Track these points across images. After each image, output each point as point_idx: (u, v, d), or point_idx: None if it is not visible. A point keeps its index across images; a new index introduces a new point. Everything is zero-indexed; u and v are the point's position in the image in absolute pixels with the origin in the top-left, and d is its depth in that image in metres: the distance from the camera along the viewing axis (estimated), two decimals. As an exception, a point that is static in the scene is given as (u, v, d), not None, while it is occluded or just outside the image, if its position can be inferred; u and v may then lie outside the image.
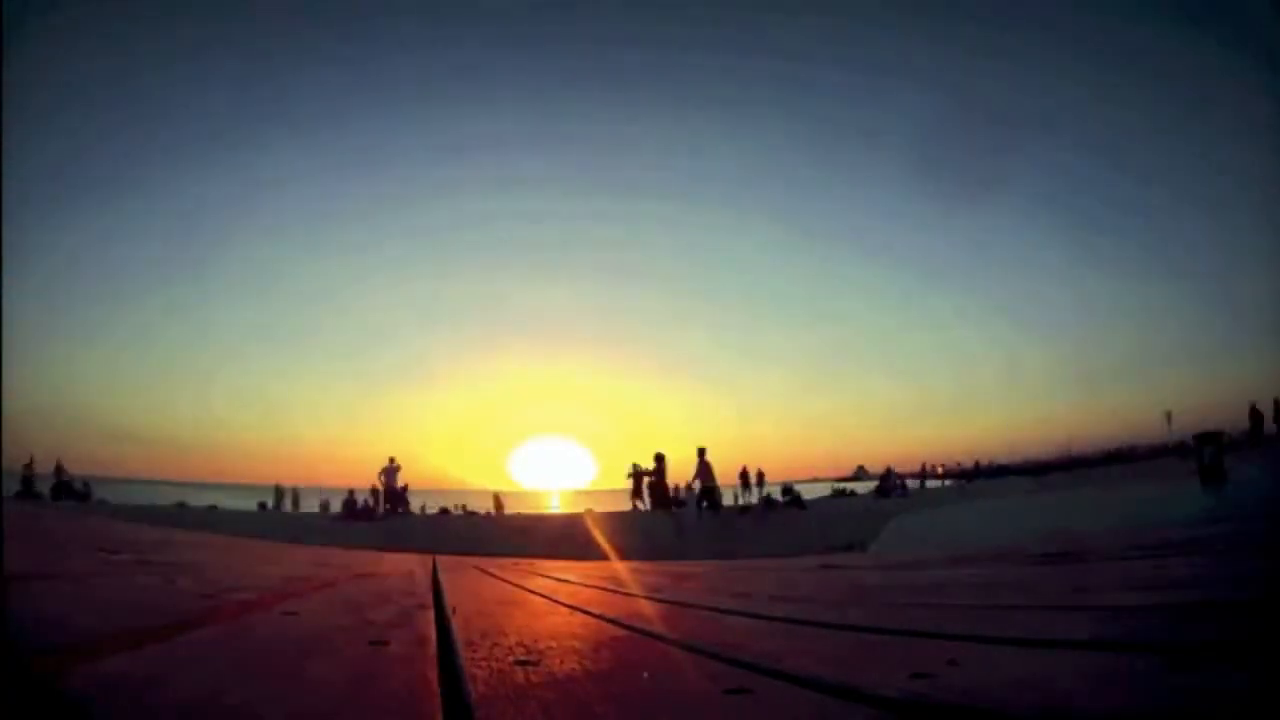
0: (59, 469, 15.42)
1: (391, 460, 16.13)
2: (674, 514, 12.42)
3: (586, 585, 2.70)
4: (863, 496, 19.33)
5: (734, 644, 1.08)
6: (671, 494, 15.28)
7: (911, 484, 21.25)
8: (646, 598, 2.15)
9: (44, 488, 14.68)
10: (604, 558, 6.60)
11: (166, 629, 1.03)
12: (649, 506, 13.40)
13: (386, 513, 15.92)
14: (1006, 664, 0.87)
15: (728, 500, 16.84)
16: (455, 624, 1.33)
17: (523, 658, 0.97)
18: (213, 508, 16.67)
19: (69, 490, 15.17)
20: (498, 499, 18.93)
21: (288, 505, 18.21)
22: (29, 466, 14.41)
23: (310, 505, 18.59)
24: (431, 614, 1.49)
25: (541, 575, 3.21)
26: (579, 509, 18.31)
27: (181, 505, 16.18)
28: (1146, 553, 2.52)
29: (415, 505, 17.32)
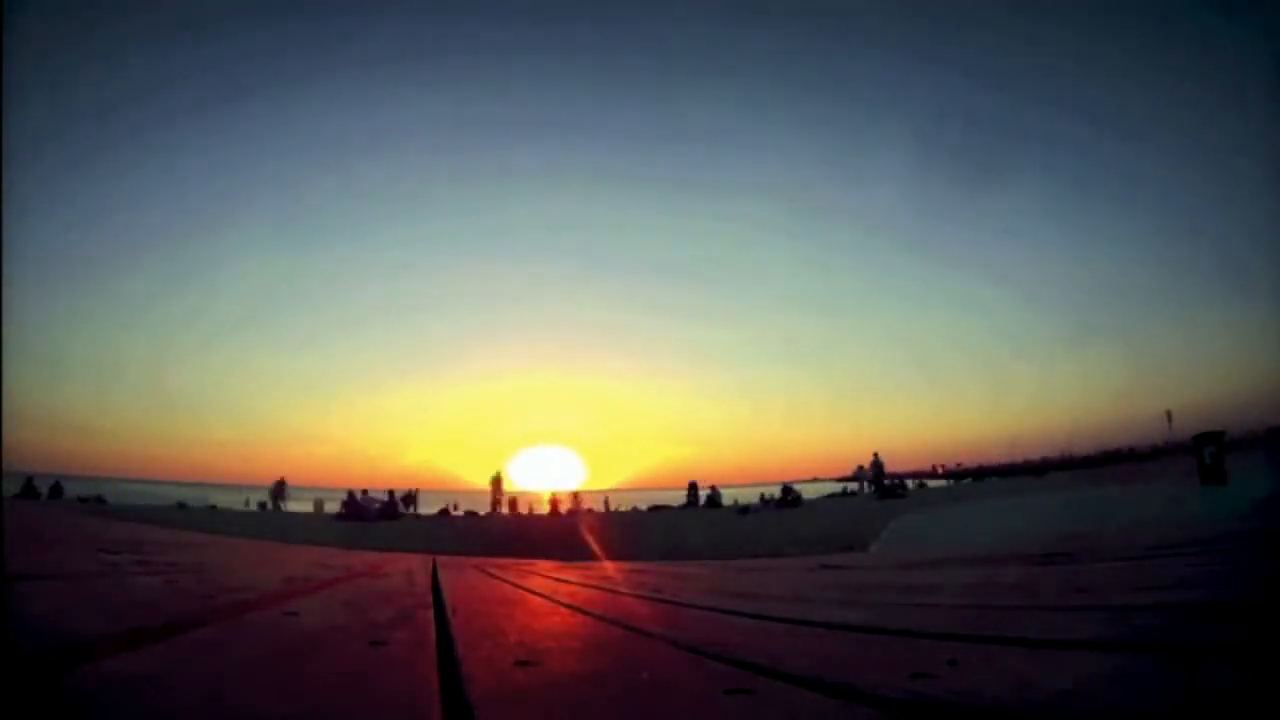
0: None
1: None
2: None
3: (586, 586, 2.70)
4: (862, 497, 19.33)
5: (734, 644, 1.08)
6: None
7: (911, 484, 21.22)
8: (646, 598, 2.15)
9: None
10: (602, 558, 6.60)
11: (166, 629, 1.03)
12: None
13: (384, 513, 15.97)
14: (1006, 664, 0.87)
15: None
16: (455, 624, 1.33)
17: (523, 658, 0.97)
18: (212, 508, 16.67)
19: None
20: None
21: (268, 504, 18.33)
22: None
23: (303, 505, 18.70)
24: (431, 614, 1.49)
25: (541, 575, 3.21)
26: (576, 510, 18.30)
27: (181, 505, 16.17)
28: (1146, 553, 2.52)
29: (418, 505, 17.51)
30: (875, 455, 18.55)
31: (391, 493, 17.14)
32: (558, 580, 2.90)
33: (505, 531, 14.15)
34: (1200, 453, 10.18)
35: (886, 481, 18.39)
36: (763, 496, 18.27)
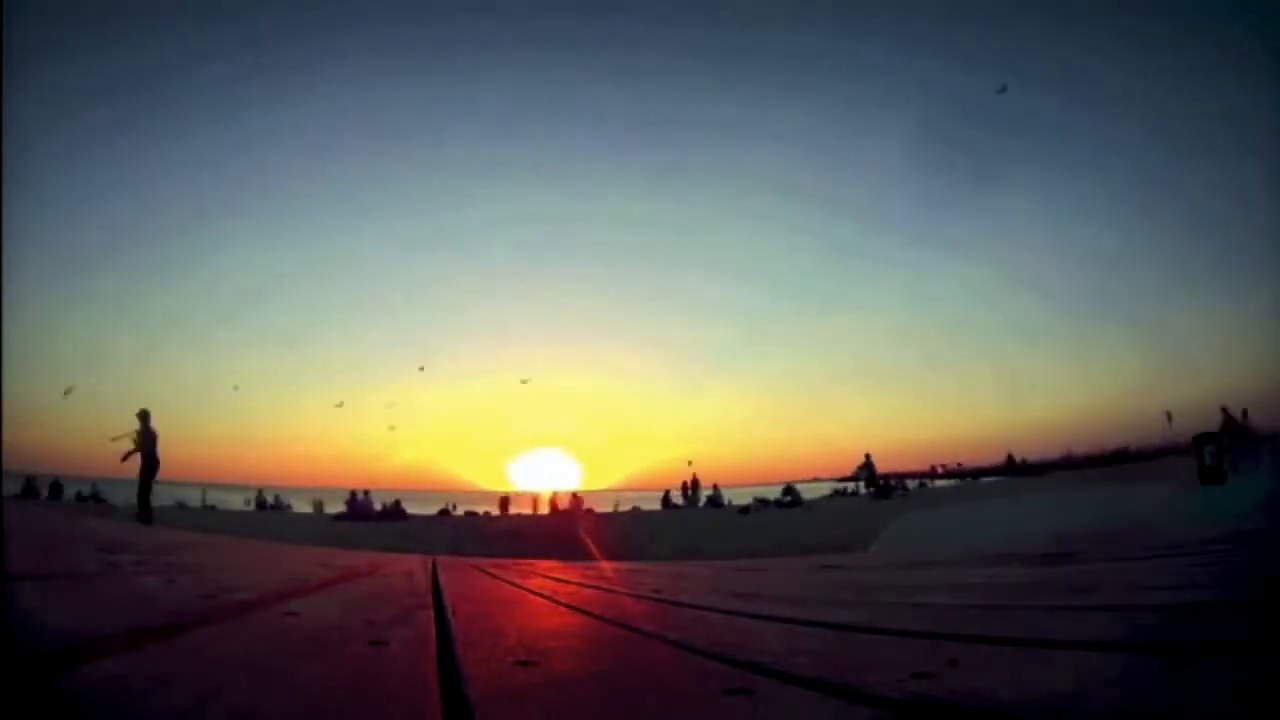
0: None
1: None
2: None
3: (586, 585, 2.70)
4: (862, 497, 19.34)
5: (734, 644, 1.08)
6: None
7: (912, 483, 21.20)
8: (646, 598, 2.15)
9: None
10: (601, 558, 6.60)
11: (166, 629, 1.03)
12: None
13: (385, 513, 16.00)
14: (1007, 664, 0.87)
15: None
16: (455, 624, 1.33)
17: (523, 658, 0.97)
18: (211, 508, 16.67)
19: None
20: (503, 501, 19.11)
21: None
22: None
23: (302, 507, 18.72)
24: (431, 614, 1.49)
25: (541, 575, 3.22)
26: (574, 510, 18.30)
27: (180, 505, 16.16)
28: (1146, 553, 2.52)
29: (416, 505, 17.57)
30: (867, 456, 18.76)
31: (398, 502, 17.23)
32: (557, 580, 2.90)
33: (505, 531, 14.15)
34: (1200, 453, 10.20)
35: (880, 482, 18.49)
36: (769, 498, 18.29)
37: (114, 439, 9.02)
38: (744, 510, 16.93)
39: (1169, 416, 17.88)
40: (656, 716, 0.73)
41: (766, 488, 19.58)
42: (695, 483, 19.29)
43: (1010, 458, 20.90)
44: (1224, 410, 11.27)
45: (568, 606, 1.85)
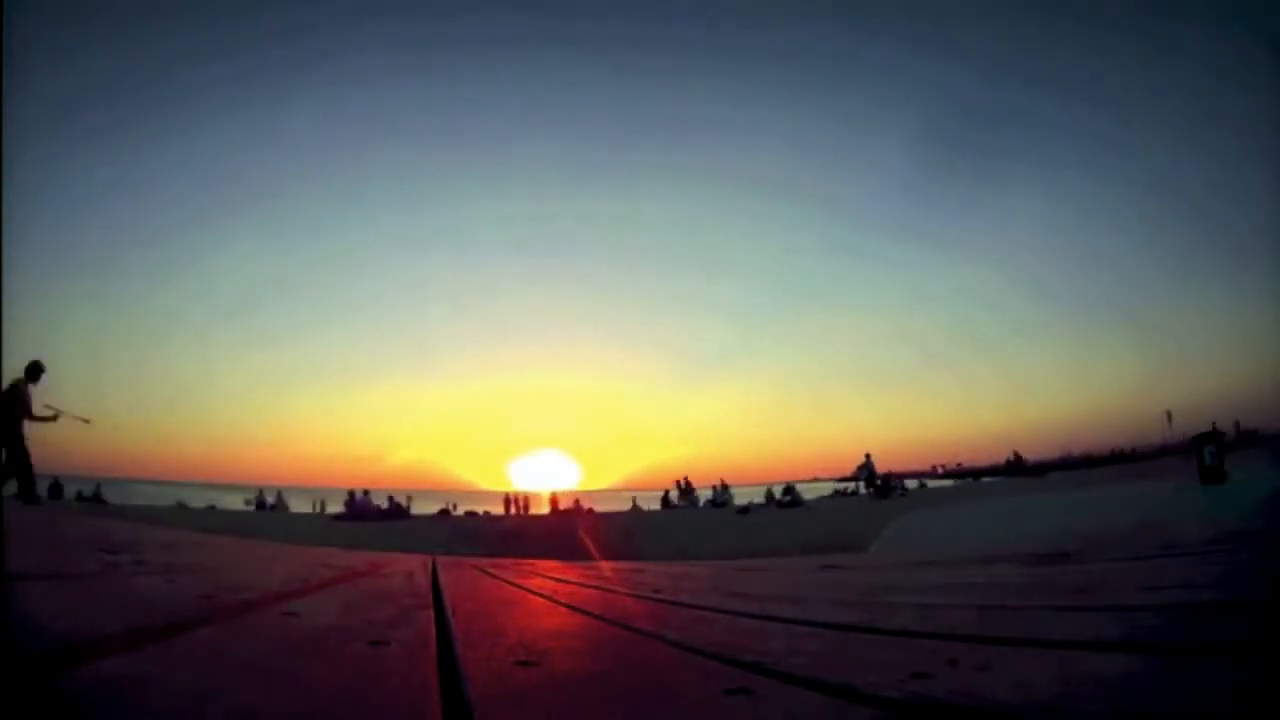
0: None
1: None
2: None
3: (585, 585, 2.70)
4: (862, 497, 19.34)
5: (734, 644, 1.08)
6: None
7: (912, 483, 21.19)
8: (645, 598, 2.15)
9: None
10: (601, 558, 6.60)
11: (166, 629, 1.03)
12: None
13: (386, 513, 16.01)
14: (1006, 664, 0.87)
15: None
16: (455, 624, 1.33)
17: (523, 658, 0.97)
18: (211, 508, 16.66)
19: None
20: (507, 500, 19.09)
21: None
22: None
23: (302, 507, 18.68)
24: (431, 614, 1.49)
25: (541, 575, 3.22)
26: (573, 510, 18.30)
27: (181, 505, 16.15)
28: (1146, 552, 2.52)
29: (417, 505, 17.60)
30: (867, 456, 18.86)
31: (391, 497, 17.22)
32: (557, 580, 2.90)
33: (505, 531, 14.16)
34: (1200, 453, 10.20)
35: (879, 482, 18.51)
36: (769, 493, 18.30)
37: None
38: (744, 510, 16.93)
39: (1169, 416, 17.92)
40: (656, 716, 0.73)
41: (768, 486, 19.58)
42: (688, 484, 19.23)
43: (1018, 455, 20.91)
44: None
45: (567, 606, 1.85)
